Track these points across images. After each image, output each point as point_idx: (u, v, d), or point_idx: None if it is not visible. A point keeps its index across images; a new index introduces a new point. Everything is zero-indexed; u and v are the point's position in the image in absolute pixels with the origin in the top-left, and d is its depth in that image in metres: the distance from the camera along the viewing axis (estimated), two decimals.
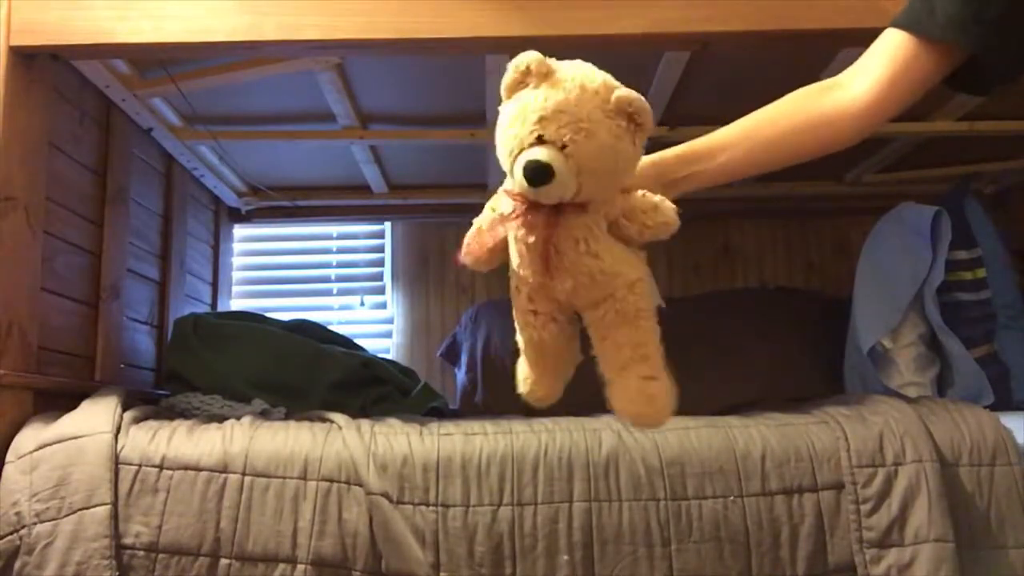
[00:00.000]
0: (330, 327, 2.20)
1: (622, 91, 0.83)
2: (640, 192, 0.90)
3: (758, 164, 1.08)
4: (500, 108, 0.82)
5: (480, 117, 1.97)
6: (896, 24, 0.96)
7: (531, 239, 0.86)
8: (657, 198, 0.92)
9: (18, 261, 1.34)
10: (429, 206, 2.60)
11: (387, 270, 2.71)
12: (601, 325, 0.95)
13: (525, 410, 1.94)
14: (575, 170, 0.79)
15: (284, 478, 1.25)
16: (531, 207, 0.85)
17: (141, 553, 1.20)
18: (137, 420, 1.32)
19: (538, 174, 0.79)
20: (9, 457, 1.25)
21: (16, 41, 1.35)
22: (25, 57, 1.37)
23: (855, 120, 1.00)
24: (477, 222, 0.94)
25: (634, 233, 0.91)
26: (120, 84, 1.69)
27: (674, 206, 0.92)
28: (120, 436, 1.27)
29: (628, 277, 0.91)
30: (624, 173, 0.88)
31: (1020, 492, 1.30)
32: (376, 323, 2.69)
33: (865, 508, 1.27)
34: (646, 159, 0.97)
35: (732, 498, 1.27)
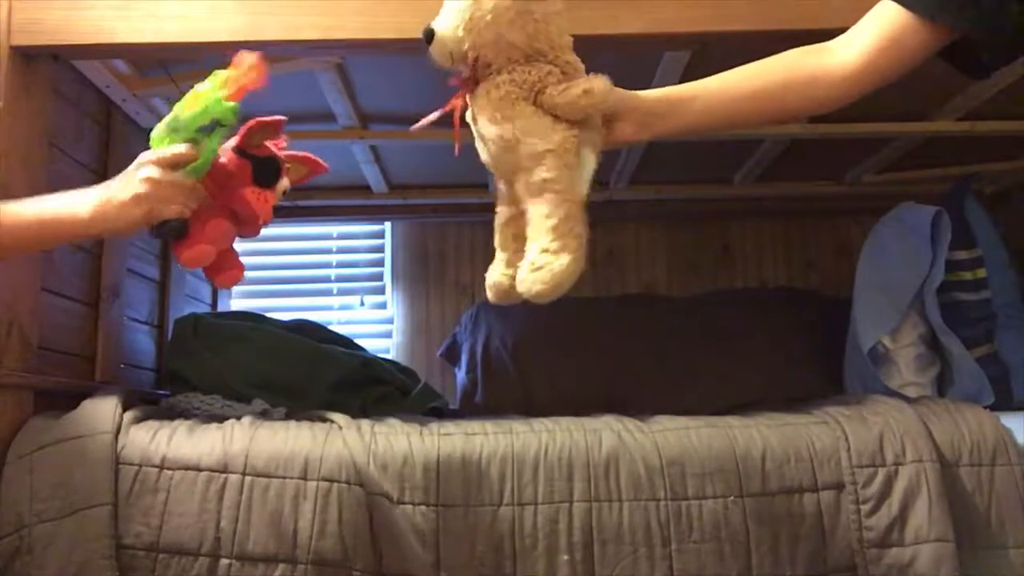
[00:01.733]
0: (330, 327, 2.20)
1: None
2: (564, 62, 0.99)
3: (738, 116, 1.10)
4: None
5: None
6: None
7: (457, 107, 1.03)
8: (581, 78, 1.00)
9: (18, 261, 1.34)
10: (429, 206, 2.61)
11: (387, 270, 2.71)
12: (519, 199, 1.01)
13: (525, 410, 1.95)
14: (458, 29, 0.92)
15: (284, 478, 1.25)
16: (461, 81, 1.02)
17: (141, 553, 1.20)
18: (137, 420, 1.32)
19: (426, 36, 0.98)
20: (9, 457, 1.25)
21: (16, 41, 1.35)
22: (25, 57, 1.37)
23: (840, 83, 1.02)
24: None
25: (547, 104, 0.96)
26: (120, 84, 1.69)
27: (599, 84, 0.99)
28: (120, 436, 1.27)
29: (535, 148, 0.94)
30: (518, 29, 0.95)
31: (1020, 492, 1.30)
32: (376, 323, 2.69)
33: (865, 508, 1.27)
34: (627, 93, 1.04)
35: (732, 498, 1.27)
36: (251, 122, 1.13)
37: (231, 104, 1.07)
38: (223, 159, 1.13)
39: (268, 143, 1.16)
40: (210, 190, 1.12)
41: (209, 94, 1.07)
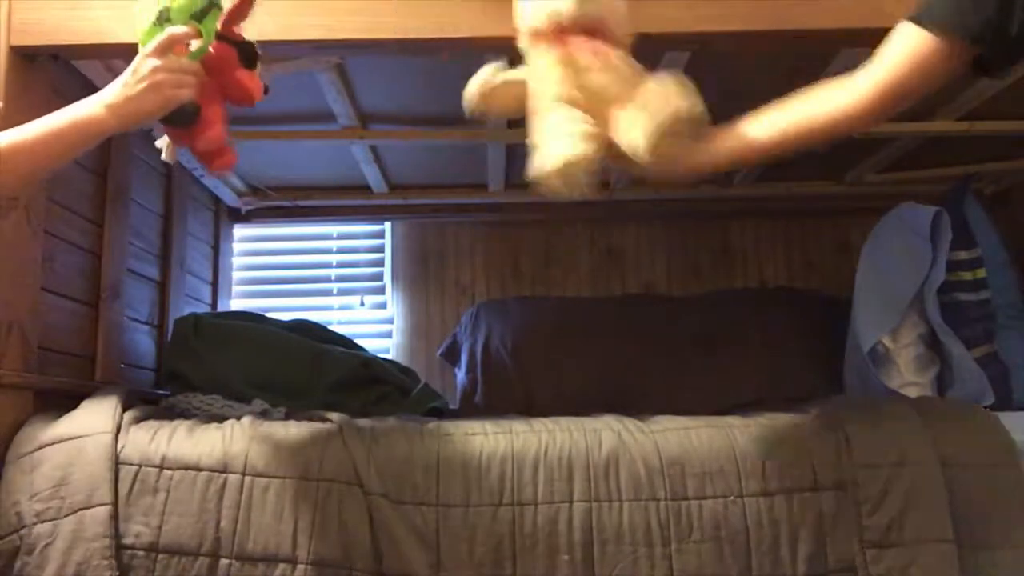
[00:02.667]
0: (330, 327, 2.20)
1: None
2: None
3: (766, 158, 1.20)
4: None
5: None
6: (909, 19, 0.98)
7: None
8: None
9: (18, 261, 1.34)
10: (429, 206, 2.61)
11: (387, 270, 2.71)
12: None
13: (525, 410, 1.95)
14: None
15: (284, 478, 1.25)
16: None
17: (141, 553, 1.20)
18: (137, 420, 1.32)
19: None
20: (9, 457, 1.25)
21: (16, 41, 1.35)
22: (25, 57, 1.37)
23: (862, 115, 1.06)
24: None
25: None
26: None
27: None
28: (120, 436, 1.27)
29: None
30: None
31: (1020, 492, 1.30)
32: (376, 323, 2.69)
33: (865, 508, 1.27)
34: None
35: (732, 498, 1.27)
36: (231, 5, 1.15)
37: None
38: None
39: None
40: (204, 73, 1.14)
41: None
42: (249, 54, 1.18)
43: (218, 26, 1.13)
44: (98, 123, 1.07)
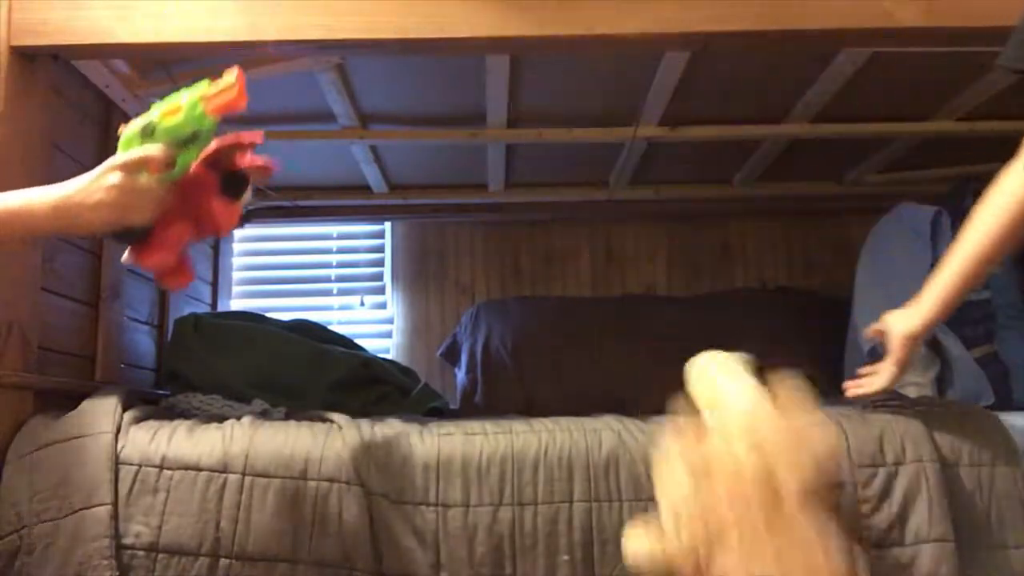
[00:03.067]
0: (330, 327, 2.20)
1: None
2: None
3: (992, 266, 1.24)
4: None
5: (480, 117, 1.98)
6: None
7: None
8: None
9: (18, 261, 1.34)
10: (429, 206, 2.61)
11: (387, 270, 2.71)
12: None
13: (525, 410, 1.95)
14: None
15: (284, 478, 1.24)
16: None
17: (141, 553, 1.20)
18: (137, 420, 1.32)
19: None
20: (9, 457, 1.25)
21: (16, 41, 1.35)
22: (25, 57, 1.37)
23: None
24: None
25: None
26: (120, 84, 1.69)
27: None
28: (120, 436, 1.27)
29: None
30: None
31: (1020, 492, 1.30)
32: (376, 323, 2.69)
33: (865, 508, 1.27)
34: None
35: None
36: (228, 139, 1.13)
37: (213, 120, 1.07)
38: (191, 168, 1.13)
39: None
40: (174, 195, 1.10)
41: (190, 106, 1.06)
42: (235, 185, 1.14)
43: (207, 153, 1.11)
44: (42, 220, 1.03)
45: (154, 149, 1.04)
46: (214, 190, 1.13)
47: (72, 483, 1.21)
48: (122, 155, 1.04)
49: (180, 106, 1.07)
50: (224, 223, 1.14)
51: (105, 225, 1.04)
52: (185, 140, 1.07)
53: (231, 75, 1.08)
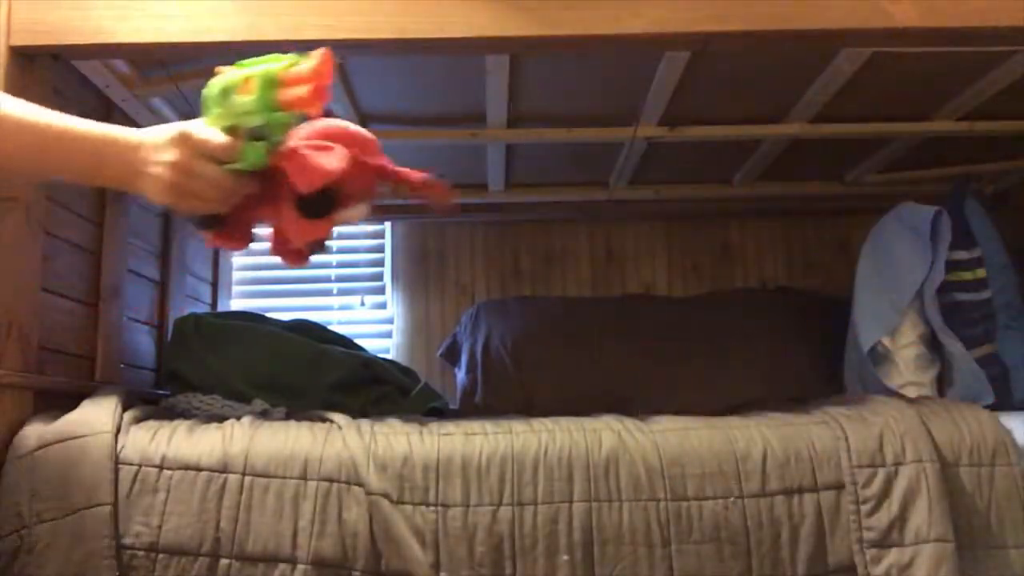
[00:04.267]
0: (330, 327, 2.20)
1: None
2: None
3: None
4: None
5: (480, 117, 1.98)
6: None
7: None
8: None
9: (18, 261, 1.34)
10: (429, 206, 2.60)
11: (387, 270, 2.71)
12: None
13: (525, 410, 1.95)
14: None
15: (284, 478, 1.25)
16: None
17: (141, 553, 1.20)
18: (137, 420, 1.32)
19: None
20: (9, 457, 1.25)
21: (16, 41, 1.35)
22: (25, 57, 1.37)
23: None
24: None
25: None
26: (120, 84, 1.69)
27: None
28: (120, 436, 1.27)
29: None
30: None
31: (1020, 492, 1.30)
32: (376, 323, 2.69)
33: (865, 508, 1.27)
34: None
35: (732, 499, 1.27)
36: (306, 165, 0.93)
37: (283, 117, 0.90)
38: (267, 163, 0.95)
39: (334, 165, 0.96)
40: (257, 183, 0.96)
41: (263, 87, 0.89)
42: (316, 204, 0.95)
43: (279, 154, 0.93)
44: (81, 152, 0.90)
45: (218, 136, 0.91)
46: (289, 197, 0.96)
47: (72, 483, 1.21)
48: (191, 127, 0.92)
49: (255, 79, 0.90)
50: (295, 236, 0.99)
51: (161, 201, 0.92)
52: (254, 131, 0.91)
53: (316, 59, 0.90)
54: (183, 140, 0.90)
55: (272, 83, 0.89)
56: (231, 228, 1.00)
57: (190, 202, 0.92)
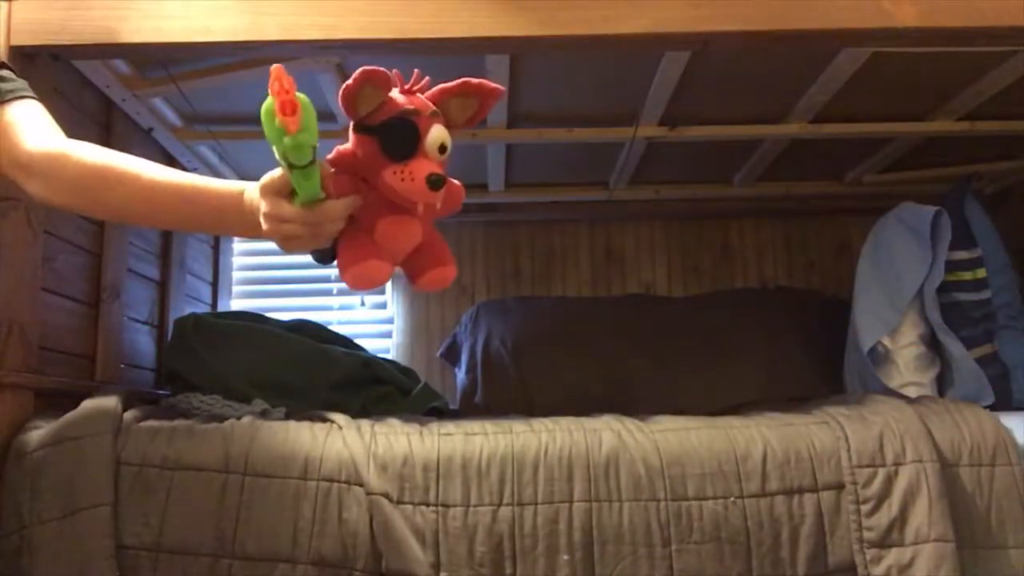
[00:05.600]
0: (330, 327, 2.20)
1: None
2: None
3: None
4: None
5: None
6: None
7: None
8: None
9: (18, 261, 1.34)
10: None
11: None
12: None
13: (525, 410, 1.95)
14: None
15: (284, 478, 1.24)
16: None
17: (142, 553, 1.20)
18: (137, 420, 1.32)
19: None
20: (9, 457, 1.25)
21: (16, 41, 1.35)
22: (25, 57, 1.37)
23: None
24: None
25: None
26: (120, 84, 1.69)
27: None
28: (120, 436, 1.27)
29: None
30: None
31: (1020, 492, 1.30)
32: (376, 323, 2.69)
33: (865, 508, 1.27)
34: None
35: (732, 499, 1.27)
36: (344, 90, 0.90)
37: (291, 141, 0.84)
38: (348, 146, 0.93)
39: (397, 98, 0.93)
40: (355, 186, 0.92)
41: (267, 119, 0.85)
42: (398, 141, 0.91)
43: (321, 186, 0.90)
44: (224, 205, 0.93)
45: (275, 173, 0.91)
46: (380, 159, 0.91)
47: (72, 483, 1.21)
48: (265, 179, 0.92)
49: (263, 114, 0.86)
50: (407, 192, 0.91)
51: (279, 246, 0.93)
52: (286, 161, 0.87)
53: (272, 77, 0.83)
54: (262, 187, 0.92)
55: (270, 111, 0.85)
56: (345, 253, 0.96)
57: (292, 244, 0.93)
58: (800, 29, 1.39)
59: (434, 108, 0.96)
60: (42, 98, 1.19)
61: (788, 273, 2.72)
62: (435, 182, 0.90)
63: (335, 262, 0.97)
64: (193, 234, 2.25)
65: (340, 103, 0.93)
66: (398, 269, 1.01)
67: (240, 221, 0.95)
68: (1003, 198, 2.45)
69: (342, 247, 0.96)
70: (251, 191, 0.95)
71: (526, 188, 2.52)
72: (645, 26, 1.38)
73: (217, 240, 2.47)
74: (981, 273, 1.84)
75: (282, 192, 0.91)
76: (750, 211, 2.69)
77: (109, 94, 1.70)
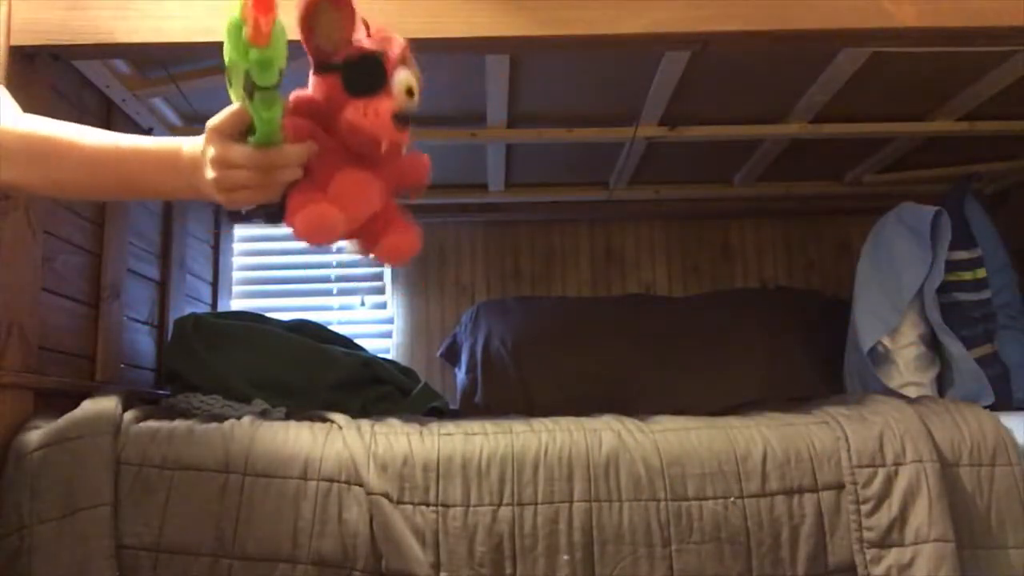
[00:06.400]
0: (330, 327, 2.20)
1: None
2: None
3: None
4: None
5: (480, 117, 1.98)
6: None
7: None
8: None
9: (18, 261, 1.34)
10: (430, 206, 2.61)
11: (387, 270, 2.70)
12: None
13: (525, 410, 1.95)
14: None
15: (284, 478, 1.24)
16: None
17: (142, 553, 1.20)
18: (137, 420, 1.32)
19: None
20: (9, 457, 1.25)
21: (16, 41, 1.35)
22: (25, 57, 1.37)
23: None
24: None
25: None
26: (120, 84, 1.69)
27: None
28: (120, 436, 1.27)
29: None
30: None
31: (1020, 492, 1.30)
32: (376, 323, 2.69)
33: (865, 508, 1.27)
34: None
35: (732, 499, 1.27)
36: (300, 16, 0.81)
37: (259, 55, 0.74)
38: (306, 91, 0.84)
39: (359, 37, 0.86)
40: (313, 134, 0.84)
41: (231, 35, 0.76)
42: (363, 74, 0.84)
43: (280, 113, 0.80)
44: (149, 165, 0.87)
45: (228, 110, 0.82)
46: (342, 95, 0.83)
47: (72, 483, 1.21)
48: (214, 120, 0.84)
49: (226, 31, 0.77)
50: (372, 129, 0.85)
51: (219, 201, 0.85)
52: (247, 86, 0.77)
53: None
54: (210, 131, 0.84)
55: (237, 24, 0.76)
56: (294, 205, 0.86)
57: (239, 195, 0.84)
58: (800, 29, 1.39)
59: (403, 55, 0.89)
60: (42, 98, 1.19)
61: (788, 273, 2.72)
62: (403, 119, 0.85)
63: (284, 221, 0.87)
64: (193, 234, 2.25)
65: (298, 28, 0.83)
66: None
67: (176, 178, 0.88)
68: (1003, 198, 2.45)
69: (292, 196, 0.85)
70: (190, 145, 0.87)
71: (526, 188, 2.52)
72: (645, 26, 1.38)
73: (217, 240, 2.47)
74: (981, 273, 1.84)
75: (233, 133, 0.83)
76: (750, 211, 2.69)
77: (109, 94, 1.70)
